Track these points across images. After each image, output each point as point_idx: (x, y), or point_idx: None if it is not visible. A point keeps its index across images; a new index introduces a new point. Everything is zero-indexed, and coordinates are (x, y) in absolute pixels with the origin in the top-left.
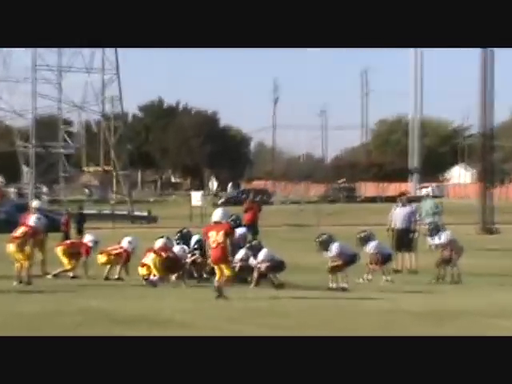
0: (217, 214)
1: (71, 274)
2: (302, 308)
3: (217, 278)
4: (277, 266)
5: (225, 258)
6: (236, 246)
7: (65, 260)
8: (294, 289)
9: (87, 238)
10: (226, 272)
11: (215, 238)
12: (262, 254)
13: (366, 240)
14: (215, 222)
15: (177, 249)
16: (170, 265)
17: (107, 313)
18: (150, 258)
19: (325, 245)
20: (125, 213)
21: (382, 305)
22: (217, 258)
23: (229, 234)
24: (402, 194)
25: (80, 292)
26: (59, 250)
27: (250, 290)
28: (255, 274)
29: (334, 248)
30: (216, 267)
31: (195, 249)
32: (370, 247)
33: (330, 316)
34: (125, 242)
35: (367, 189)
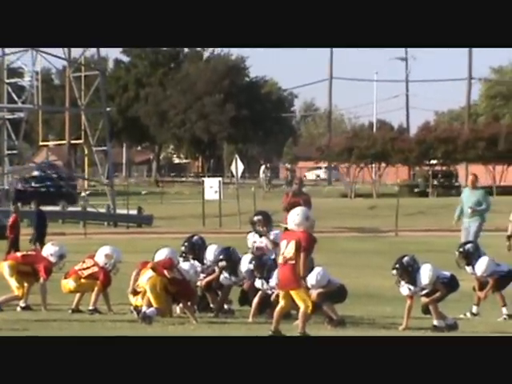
0: (292, 217)
1: (22, 304)
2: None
3: (278, 307)
4: (335, 292)
5: (294, 280)
6: (259, 263)
7: (13, 282)
8: (362, 327)
9: (48, 250)
10: (300, 303)
11: (284, 250)
12: (313, 275)
13: (471, 256)
14: (286, 230)
15: (185, 266)
16: (176, 291)
17: None
18: (145, 279)
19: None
20: (102, 211)
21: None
22: (283, 281)
23: (302, 246)
24: None
25: (35, 332)
26: (5, 267)
27: (293, 327)
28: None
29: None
30: (281, 294)
31: (213, 264)
32: (479, 267)
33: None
34: (100, 256)
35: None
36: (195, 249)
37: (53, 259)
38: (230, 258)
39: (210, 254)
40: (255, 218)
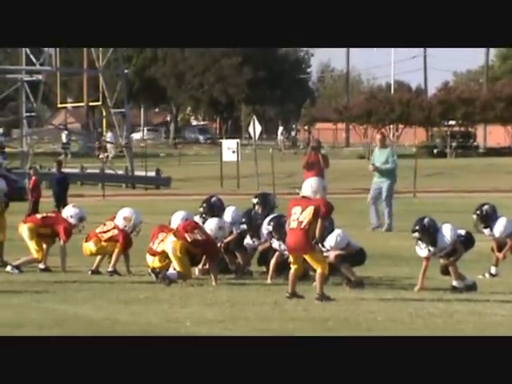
0: (307, 186)
1: (41, 266)
2: (398, 318)
3: (292, 271)
4: (354, 255)
5: (307, 244)
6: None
7: (32, 244)
8: (380, 289)
9: (68, 212)
10: (316, 265)
11: (298, 215)
12: (332, 237)
13: (488, 218)
14: (304, 197)
15: (213, 224)
16: (201, 251)
17: (96, 325)
18: (168, 244)
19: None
20: (121, 173)
21: None
22: (294, 244)
23: (320, 213)
24: None
25: (54, 293)
26: (25, 229)
27: (311, 291)
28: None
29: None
30: (292, 258)
31: (231, 225)
32: (498, 228)
33: (439, 330)
34: (119, 219)
35: (492, 135)
36: (213, 210)
37: (73, 221)
38: (251, 221)
39: (228, 215)
40: (253, 200)
